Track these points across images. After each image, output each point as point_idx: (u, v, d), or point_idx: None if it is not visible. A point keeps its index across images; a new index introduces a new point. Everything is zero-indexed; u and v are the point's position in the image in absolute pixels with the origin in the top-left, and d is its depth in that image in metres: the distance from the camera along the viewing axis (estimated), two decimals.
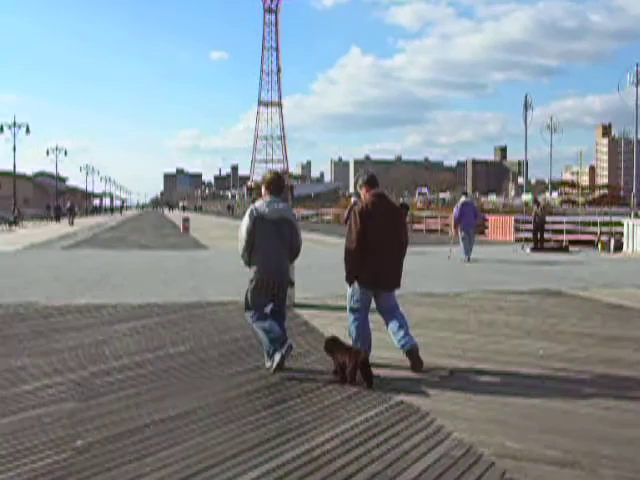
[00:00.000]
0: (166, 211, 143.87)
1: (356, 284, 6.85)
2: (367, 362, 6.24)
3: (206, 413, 5.47)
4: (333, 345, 6.52)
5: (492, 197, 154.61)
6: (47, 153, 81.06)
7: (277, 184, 6.99)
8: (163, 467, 4.32)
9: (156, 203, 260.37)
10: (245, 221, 6.79)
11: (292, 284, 8.21)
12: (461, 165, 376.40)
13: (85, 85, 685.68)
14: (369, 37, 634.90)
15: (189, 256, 22.07)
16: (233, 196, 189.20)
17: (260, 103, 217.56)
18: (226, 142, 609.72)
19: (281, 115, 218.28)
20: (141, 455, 4.53)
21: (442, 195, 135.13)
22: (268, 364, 6.71)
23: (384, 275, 6.85)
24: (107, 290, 13.43)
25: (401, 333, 6.81)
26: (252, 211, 6.78)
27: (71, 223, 55.49)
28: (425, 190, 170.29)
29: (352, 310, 6.94)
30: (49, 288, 13.75)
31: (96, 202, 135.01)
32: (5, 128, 59.85)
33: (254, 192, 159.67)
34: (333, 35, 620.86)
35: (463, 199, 21.18)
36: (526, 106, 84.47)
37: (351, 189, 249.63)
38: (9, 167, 63.80)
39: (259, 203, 6.87)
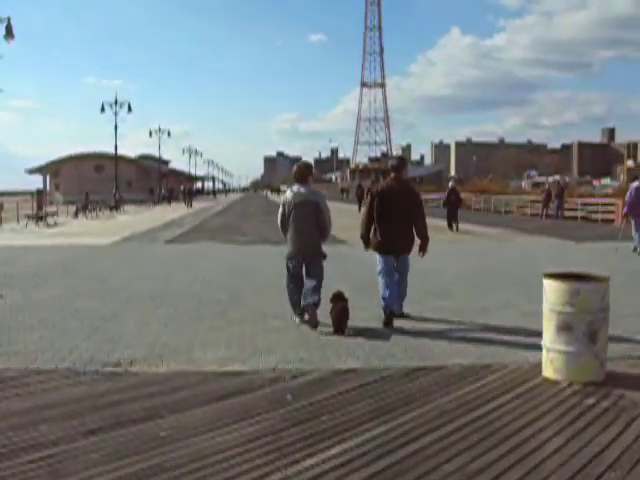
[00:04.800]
0: (269, 194, 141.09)
1: (377, 252, 8.57)
2: (341, 313, 7.99)
3: None
4: (334, 298, 8.14)
5: (606, 181, 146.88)
6: (150, 135, 77.65)
7: (298, 174, 8.51)
8: None
9: (257, 186, 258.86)
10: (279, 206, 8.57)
11: (324, 256, 8.53)
12: (566, 147, 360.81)
13: (185, 72, 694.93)
14: (469, 16, 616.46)
15: (339, 256, 16.18)
16: (334, 179, 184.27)
17: (363, 84, 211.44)
18: (325, 125, 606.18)
19: (384, 96, 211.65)
20: None
21: (552, 178, 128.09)
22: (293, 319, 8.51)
23: (395, 244, 8.50)
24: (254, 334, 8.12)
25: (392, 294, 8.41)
26: (283, 198, 8.62)
27: (189, 205, 57.82)
28: (534, 173, 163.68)
29: (378, 273, 8.61)
30: (151, 327, 8.64)
31: (198, 185, 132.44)
32: (107, 107, 56.06)
33: (357, 174, 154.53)
34: (433, 15, 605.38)
35: (636, 184, 18.00)
36: None
37: (452, 172, 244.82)
38: (113, 150, 60.05)
39: (288, 191, 8.59)
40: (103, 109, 55.17)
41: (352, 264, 14.17)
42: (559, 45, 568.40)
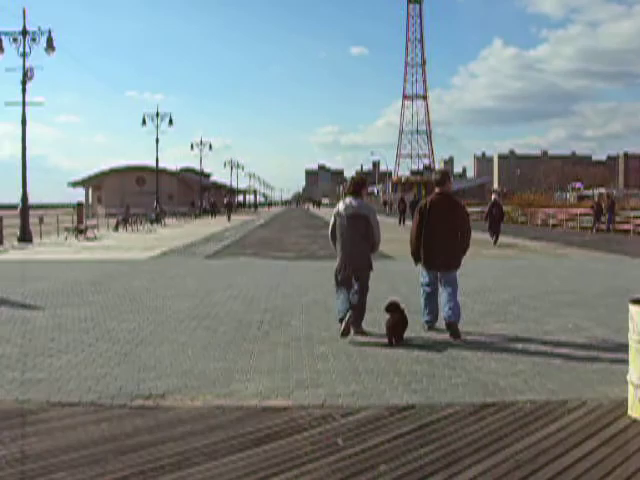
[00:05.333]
0: (311, 207, 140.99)
1: (422, 266, 8.70)
2: (395, 326, 7.96)
3: None
4: (391, 307, 8.10)
5: None
6: (191, 148, 77.84)
7: (352, 186, 8.70)
8: None
9: (298, 199, 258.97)
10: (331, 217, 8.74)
11: (371, 268, 8.66)
12: (611, 159, 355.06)
13: (227, 85, 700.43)
14: (511, 27, 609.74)
15: (386, 272, 15.45)
16: (376, 192, 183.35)
17: (404, 97, 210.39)
18: (366, 138, 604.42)
19: (427, 108, 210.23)
20: None
21: (597, 191, 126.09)
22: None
23: (438, 259, 8.51)
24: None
25: (447, 306, 8.36)
26: (335, 209, 8.70)
27: (228, 219, 57.47)
28: (579, 185, 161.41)
29: (421, 285, 8.79)
30: (187, 352, 8.03)
31: (240, 198, 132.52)
32: (148, 120, 56.05)
33: (399, 187, 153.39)
34: (475, 26, 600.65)
35: None
36: None
37: (495, 185, 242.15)
38: (155, 163, 59.99)
39: (341, 203, 8.65)
40: (144, 122, 55.09)
41: (399, 281, 13.39)
42: (603, 55, 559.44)
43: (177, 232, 38.56)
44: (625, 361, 7.22)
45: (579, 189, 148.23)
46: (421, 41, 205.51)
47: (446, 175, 8.96)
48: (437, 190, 8.77)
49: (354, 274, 8.51)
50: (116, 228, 39.79)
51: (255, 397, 5.94)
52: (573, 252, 23.06)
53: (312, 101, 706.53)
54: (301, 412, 5.55)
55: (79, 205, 36.87)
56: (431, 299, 8.69)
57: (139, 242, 28.75)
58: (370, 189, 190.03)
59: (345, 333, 8.22)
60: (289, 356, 7.43)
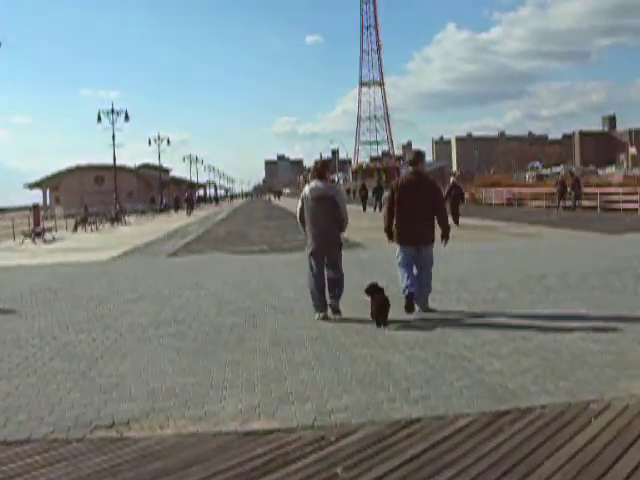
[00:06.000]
0: (272, 198, 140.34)
1: (397, 243, 8.82)
2: (380, 307, 7.99)
3: None
4: (371, 289, 8.22)
5: (610, 169, 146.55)
6: (149, 143, 76.28)
7: (317, 170, 8.89)
8: None
9: (259, 191, 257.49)
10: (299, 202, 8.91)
11: (341, 245, 8.91)
12: (567, 137, 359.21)
13: (182, 81, 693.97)
14: (464, 11, 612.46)
15: (358, 261, 14.62)
16: (337, 180, 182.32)
17: (361, 84, 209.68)
18: (324, 126, 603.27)
19: (383, 94, 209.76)
20: None
21: (555, 169, 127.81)
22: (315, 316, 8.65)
23: (413, 234, 8.68)
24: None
25: (411, 280, 8.62)
26: (302, 194, 8.88)
27: (188, 213, 57.21)
28: (537, 164, 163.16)
29: (399, 264, 8.86)
30: (154, 365, 7.16)
31: (200, 192, 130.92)
32: (103, 116, 54.67)
33: (359, 174, 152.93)
34: (428, 11, 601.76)
35: None
36: None
37: (454, 167, 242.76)
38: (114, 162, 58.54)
39: (307, 186, 8.86)
40: (99, 118, 53.92)
41: (372, 269, 12.64)
42: (555, 35, 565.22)
43: (138, 230, 37.45)
44: (636, 350, 6.60)
45: (537, 168, 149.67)
46: (375, 27, 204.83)
47: (419, 155, 9.21)
48: (410, 169, 9.08)
49: (326, 254, 8.70)
50: (75, 229, 38.51)
51: (234, 419, 5.14)
52: (547, 231, 22.56)
53: (268, 93, 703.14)
54: (289, 436, 4.77)
55: (35, 207, 35.55)
56: (407, 271, 8.76)
57: (99, 242, 27.66)
58: (331, 177, 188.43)
59: (333, 312, 8.70)
60: (268, 365, 6.64)
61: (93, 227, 39.99)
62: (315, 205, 8.65)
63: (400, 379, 5.99)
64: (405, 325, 8.15)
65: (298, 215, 9.00)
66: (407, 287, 8.65)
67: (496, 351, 6.83)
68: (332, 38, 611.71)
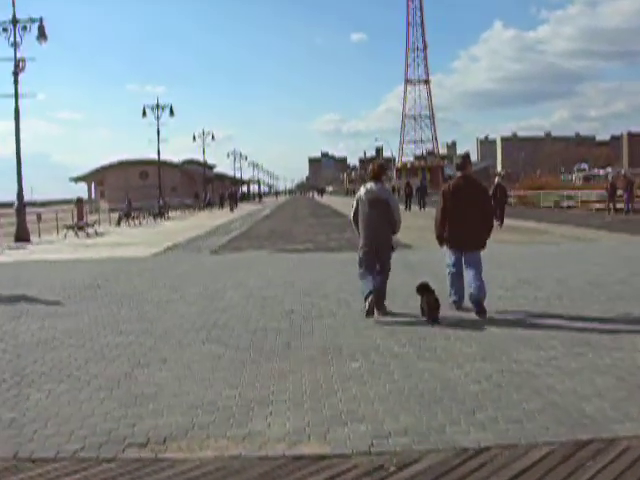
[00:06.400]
0: (316, 195, 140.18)
1: (448, 247, 8.88)
2: (433, 305, 8.17)
3: None
4: (422, 288, 8.45)
5: None
6: (194, 139, 76.23)
7: (374, 172, 9.05)
8: None
9: (303, 188, 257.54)
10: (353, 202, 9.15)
11: (394, 249, 9.09)
12: (615, 139, 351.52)
13: (227, 76, 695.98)
14: (511, 9, 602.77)
15: (405, 262, 14.00)
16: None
17: (406, 81, 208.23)
18: (368, 124, 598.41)
19: (429, 93, 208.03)
20: None
21: (602, 172, 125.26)
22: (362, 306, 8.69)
23: (465, 240, 8.67)
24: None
25: (474, 285, 8.48)
26: (357, 195, 9.09)
27: (232, 209, 58.61)
28: (585, 166, 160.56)
29: (447, 266, 8.93)
30: (194, 374, 6.65)
31: (244, 189, 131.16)
32: (148, 111, 54.70)
33: (403, 172, 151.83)
34: (475, 9, 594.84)
35: None
36: None
37: (499, 168, 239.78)
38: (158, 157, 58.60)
39: (362, 187, 9.05)
40: (144, 113, 53.77)
41: (420, 269, 12.06)
42: (604, 34, 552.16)
43: (181, 225, 37.27)
44: None
45: (585, 170, 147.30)
46: (422, 25, 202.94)
47: (467, 158, 9.36)
48: (459, 174, 9.05)
49: (377, 255, 8.83)
50: (118, 223, 38.49)
51: (281, 440, 4.64)
52: (603, 235, 21.69)
53: (312, 89, 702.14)
54: (344, 463, 4.25)
55: (79, 201, 35.56)
56: (457, 279, 8.86)
57: (142, 237, 27.46)
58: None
59: (370, 313, 8.49)
60: (317, 377, 6.13)
61: (136, 222, 39.94)
62: (369, 207, 8.80)
63: (463, 398, 5.43)
64: (463, 335, 7.57)
65: (352, 215, 9.16)
66: (455, 296, 8.92)
67: (566, 367, 6.23)
68: (377, 35, 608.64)
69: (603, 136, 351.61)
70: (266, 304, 10.01)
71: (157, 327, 8.52)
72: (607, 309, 8.85)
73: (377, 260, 8.87)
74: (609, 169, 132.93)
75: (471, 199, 8.74)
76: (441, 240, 9.00)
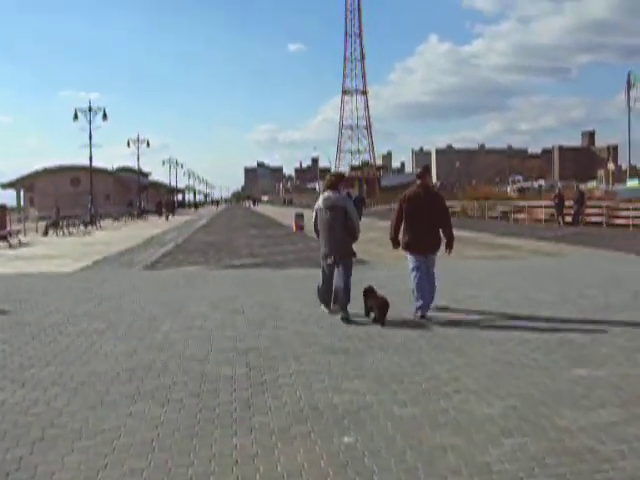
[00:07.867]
0: (251, 205, 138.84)
1: (409, 253, 9.31)
2: (382, 307, 8.55)
3: None
4: (367, 292, 8.95)
5: (592, 184, 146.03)
6: (128, 145, 73.70)
7: (329, 182, 9.57)
8: None
9: (238, 197, 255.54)
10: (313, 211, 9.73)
11: (354, 254, 9.37)
12: (546, 152, 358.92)
13: (163, 86, 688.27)
14: (447, 23, 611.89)
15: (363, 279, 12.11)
16: (317, 188, 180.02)
17: (344, 92, 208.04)
18: (304, 134, 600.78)
19: (366, 103, 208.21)
20: None
21: (536, 184, 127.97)
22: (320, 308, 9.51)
23: (423, 243, 9.19)
24: None
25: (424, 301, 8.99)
26: (316, 204, 9.50)
27: (167, 218, 57.27)
28: (519, 177, 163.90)
29: (411, 270, 9.27)
30: (120, 460, 4.82)
31: (179, 197, 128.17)
32: (81, 115, 52.06)
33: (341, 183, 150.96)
34: (411, 22, 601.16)
35: None
36: (629, 85, 76.49)
37: (434, 179, 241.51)
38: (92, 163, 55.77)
39: (321, 196, 9.51)
40: (76, 116, 51.26)
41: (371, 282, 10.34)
42: (536, 50, 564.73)
43: (113, 235, 34.89)
44: None
45: (519, 181, 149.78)
46: (360, 35, 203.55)
47: (426, 169, 9.86)
48: (418, 182, 9.49)
49: (338, 260, 9.15)
50: (45, 233, 35.82)
51: None
52: (565, 249, 20.40)
53: (249, 99, 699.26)
54: None
55: (1, 207, 32.84)
56: (423, 285, 9.06)
57: (69, 249, 25.07)
58: (311, 185, 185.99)
59: (344, 318, 8.80)
60: (296, 462, 4.28)
61: (65, 231, 37.33)
62: (328, 214, 9.22)
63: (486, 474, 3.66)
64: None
65: (313, 224, 9.65)
66: (420, 301, 9.02)
67: (566, 399, 4.51)
68: (315, 46, 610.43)
69: (534, 149, 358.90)
70: (213, 338, 8.12)
71: (75, 373, 6.56)
72: (596, 335, 7.22)
73: (339, 266, 9.18)
74: (541, 181, 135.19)
75: (428, 206, 9.19)
76: (395, 242, 9.49)
